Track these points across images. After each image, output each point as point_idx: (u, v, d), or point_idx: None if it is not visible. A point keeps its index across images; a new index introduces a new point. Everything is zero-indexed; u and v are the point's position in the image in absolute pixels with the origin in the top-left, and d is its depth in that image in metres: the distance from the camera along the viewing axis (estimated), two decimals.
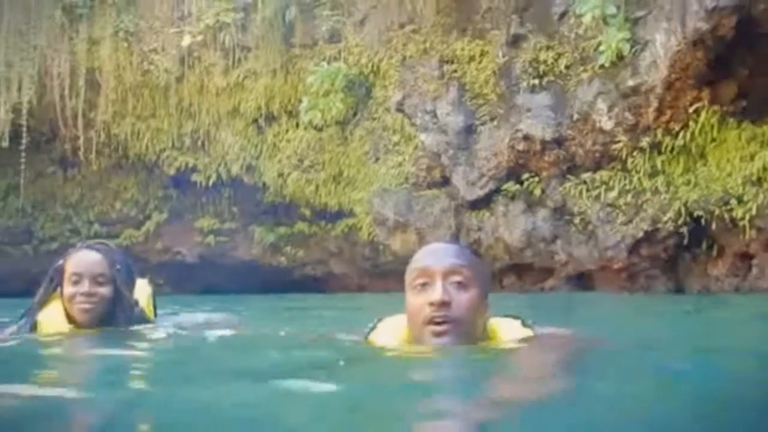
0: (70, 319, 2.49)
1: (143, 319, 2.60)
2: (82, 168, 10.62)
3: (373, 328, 1.84)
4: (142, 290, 2.65)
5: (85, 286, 2.45)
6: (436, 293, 1.65)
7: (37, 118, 9.81)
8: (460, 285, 1.67)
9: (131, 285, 2.58)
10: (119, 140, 10.15)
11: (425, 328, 1.67)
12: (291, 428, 1.03)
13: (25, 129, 9.38)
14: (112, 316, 2.50)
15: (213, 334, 2.54)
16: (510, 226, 7.16)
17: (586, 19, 5.89)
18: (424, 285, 1.68)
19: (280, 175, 9.19)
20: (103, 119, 9.86)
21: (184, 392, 1.31)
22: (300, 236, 9.74)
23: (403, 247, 7.90)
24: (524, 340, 1.73)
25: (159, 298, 2.73)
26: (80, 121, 9.76)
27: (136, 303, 2.59)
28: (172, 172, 10.18)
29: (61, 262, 2.53)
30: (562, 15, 6.50)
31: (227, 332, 2.62)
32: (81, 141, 9.80)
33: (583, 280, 7.16)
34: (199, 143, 9.90)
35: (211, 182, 9.91)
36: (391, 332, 1.79)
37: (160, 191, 10.78)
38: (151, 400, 1.30)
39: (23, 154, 9.48)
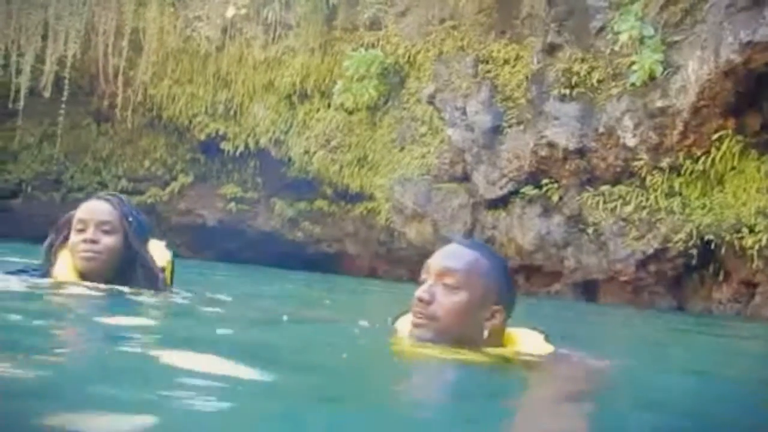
0: (78, 273, 2.35)
1: (164, 287, 2.43)
2: (115, 124, 10.93)
3: (400, 315, 1.91)
4: (161, 255, 2.49)
5: (89, 233, 2.30)
6: (419, 290, 1.74)
7: (79, 71, 10.12)
8: (449, 288, 1.72)
9: (144, 241, 2.42)
10: (155, 101, 10.44)
11: (411, 318, 1.77)
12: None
13: (67, 81, 9.69)
14: (127, 275, 2.35)
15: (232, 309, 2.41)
16: (524, 229, 7.37)
17: (623, 37, 6.04)
18: (423, 281, 1.77)
19: (307, 152, 9.43)
20: (142, 79, 10.14)
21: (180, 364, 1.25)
22: (319, 213, 10.00)
23: (417, 236, 8.14)
24: (537, 357, 1.72)
25: (178, 261, 2.53)
26: (120, 79, 10.06)
27: (162, 270, 2.43)
28: (202, 137, 10.45)
29: (71, 213, 2.40)
30: (600, 30, 6.63)
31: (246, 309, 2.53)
32: (119, 98, 10.11)
33: (588, 289, 7.36)
34: (231, 112, 10.15)
35: (238, 151, 10.18)
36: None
37: (189, 154, 11.08)
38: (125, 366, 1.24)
39: (63, 105, 9.81)
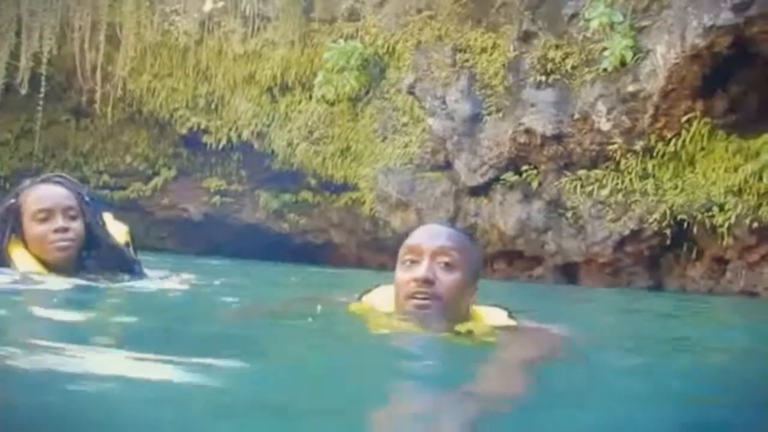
0: (46, 265, 2.19)
1: (139, 270, 2.33)
2: (95, 119, 10.91)
3: (367, 291, 1.94)
4: (117, 229, 2.38)
5: (58, 222, 2.15)
6: (421, 270, 1.72)
7: (56, 67, 10.07)
8: (447, 266, 1.74)
9: (102, 221, 2.31)
10: (134, 96, 10.43)
11: (407, 302, 1.74)
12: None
13: (43, 78, 9.66)
14: (89, 260, 2.25)
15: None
16: (505, 214, 7.55)
17: (594, 24, 6.20)
18: (413, 262, 1.75)
19: (290, 144, 9.51)
20: (120, 74, 10.12)
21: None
22: (304, 204, 10.11)
23: (402, 224, 8.29)
24: (503, 329, 1.78)
25: (163, 254, 2.50)
26: (98, 74, 10.04)
27: (127, 245, 2.33)
28: (183, 131, 10.48)
29: (12, 201, 2.19)
30: (572, 17, 6.79)
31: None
32: (98, 94, 10.09)
33: (569, 272, 7.58)
34: (213, 106, 10.19)
35: (221, 145, 10.23)
36: (383, 298, 1.88)
37: (171, 149, 11.10)
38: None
39: (41, 102, 9.78)
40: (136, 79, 10.29)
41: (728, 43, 5.56)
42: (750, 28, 5.41)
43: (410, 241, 1.81)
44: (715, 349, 2.34)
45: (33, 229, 2.15)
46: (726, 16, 5.44)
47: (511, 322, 1.82)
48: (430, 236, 1.80)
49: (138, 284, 2.34)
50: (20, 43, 9.68)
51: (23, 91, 9.71)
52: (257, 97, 9.85)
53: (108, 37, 9.92)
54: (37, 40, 9.66)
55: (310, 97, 9.23)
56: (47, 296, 2.02)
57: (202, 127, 10.33)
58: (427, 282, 1.72)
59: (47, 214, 2.16)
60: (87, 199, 2.26)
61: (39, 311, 1.76)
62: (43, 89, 9.68)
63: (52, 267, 2.19)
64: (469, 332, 1.76)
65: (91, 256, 2.25)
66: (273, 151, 9.79)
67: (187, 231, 11.14)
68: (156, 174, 11.13)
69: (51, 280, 2.14)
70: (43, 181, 2.26)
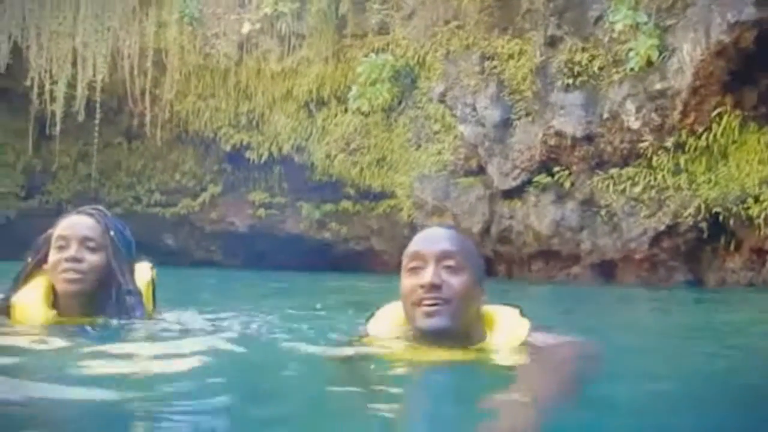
0: (54, 302, 2.10)
1: (139, 311, 2.12)
2: (145, 140, 11.53)
3: (370, 316, 1.89)
4: (141, 275, 2.24)
5: (71, 250, 2.05)
6: (427, 276, 1.70)
7: (108, 93, 10.72)
8: (452, 269, 1.72)
9: (128, 260, 2.16)
10: (180, 117, 10.99)
11: (416, 310, 1.71)
12: None
13: (98, 104, 10.31)
14: (101, 300, 2.08)
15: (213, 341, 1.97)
16: (540, 216, 7.70)
17: (618, 26, 6.32)
18: (416, 269, 1.72)
19: (328, 156, 9.86)
20: (167, 97, 10.69)
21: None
22: (344, 213, 10.43)
23: None
24: (518, 349, 1.73)
25: (211, 266, 2.25)
26: (147, 98, 10.63)
27: (139, 292, 2.16)
28: (227, 148, 10.98)
29: (50, 231, 2.15)
30: (597, 19, 6.91)
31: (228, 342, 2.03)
32: (147, 116, 10.69)
33: (606, 269, 7.66)
34: (254, 123, 10.65)
35: (263, 159, 10.67)
36: (388, 319, 1.84)
37: (216, 165, 11.62)
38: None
39: (96, 127, 10.43)
40: (181, 100, 10.84)
41: (753, 38, 5.60)
42: None
43: (412, 247, 1.77)
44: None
45: (51, 257, 2.08)
46: (750, 11, 5.50)
47: (525, 323, 1.79)
48: (432, 241, 1.77)
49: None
50: (76, 73, 10.35)
51: (80, 118, 10.38)
52: (295, 112, 10.25)
53: (154, 62, 10.51)
54: (91, 69, 10.32)
55: (346, 110, 9.56)
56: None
57: (245, 143, 10.79)
58: (434, 287, 1.70)
59: (65, 242, 2.08)
60: (112, 232, 2.12)
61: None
62: (98, 114, 10.32)
63: (62, 298, 2.08)
64: (484, 352, 1.73)
65: (101, 295, 2.09)
66: (312, 164, 10.15)
67: (234, 243, 11.62)
68: (204, 190, 11.67)
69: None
70: (78, 212, 2.19)
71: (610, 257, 7.50)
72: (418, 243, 1.79)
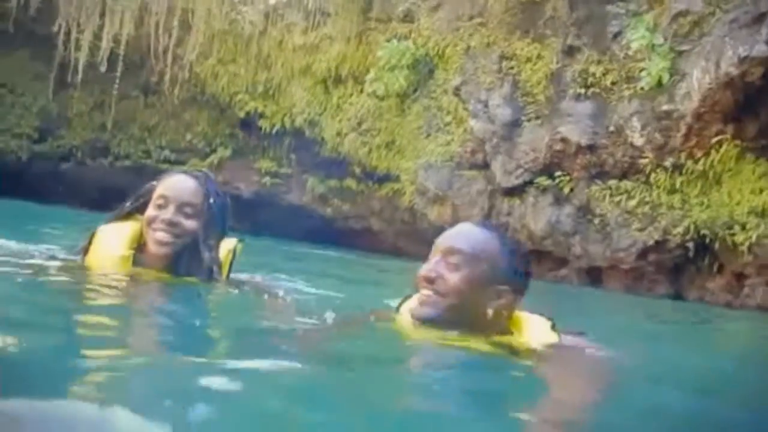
0: (140, 247, 2.11)
1: (215, 275, 2.14)
2: (162, 97, 11.72)
3: (406, 297, 1.92)
4: (226, 244, 2.22)
5: (168, 213, 2.06)
6: (424, 268, 1.76)
7: (131, 47, 10.91)
8: (453, 266, 1.73)
9: (220, 230, 2.16)
10: (199, 78, 11.19)
11: (418, 295, 1.78)
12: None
13: (121, 58, 10.50)
14: (182, 262, 2.10)
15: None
16: (536, 216, 7.99)
17: (635, 45, 6.55)
18: (429, 258, 1.79)
19: (339, 133, 10.10)
20: (189, 58, 10.89)
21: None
22: (347, 191, 10.68)
23: (438, 217, 8.81)
24: (543, 352, 1.71)
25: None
26: (169, 56, 10.83)
27: (218, 261, 2.14)
28: (241, 114, 11.19)
29: (154, 183, 2.17)
30: (616, 35, 7.14)
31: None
32: (167, 74, 10.89)
33: (592, 274, 7.97)
34: (270, 92, 10.86)
35: (275, 129, 10.89)
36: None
37: (228, 129, 11.84)
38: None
39: (117, 80, 10.64)
40: (202, 62, 11.03)
41: (760, 74, 5.85)
42: None
43: (438, 238, 1.83)
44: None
45: (149, 212, 2.10)
46: (760, 48, 5.75)
47: (553, 337, 1.77)
48: (449, 236, 1.81)
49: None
50: (103, 25, 10.53)
51: (102, 69, 10.57)
52: (312, 87, 10.45)
53: (180, 22, 10.68)
54: (119, 23, 10.50)
55: (362, 91, 9.77)
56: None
57: (259, 111, 11.00)
58: (426, 280, 1.74)
59: (164, 201, 2.09)
60: (211, 200, 2.12)
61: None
62: (120, 68, 10.52)
63: (150, 257, 2.10)
64: (508, 347, 1.74)
65: (184, 257, 2.11)
66: (323, 139, 10.38)
67: (237, 209, 11.79)
68: (213, 152, 11.89)
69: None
70: (185, 172, 2.23)
71: (598, 264, 7.80)
72: (443, 234, 1.84)
